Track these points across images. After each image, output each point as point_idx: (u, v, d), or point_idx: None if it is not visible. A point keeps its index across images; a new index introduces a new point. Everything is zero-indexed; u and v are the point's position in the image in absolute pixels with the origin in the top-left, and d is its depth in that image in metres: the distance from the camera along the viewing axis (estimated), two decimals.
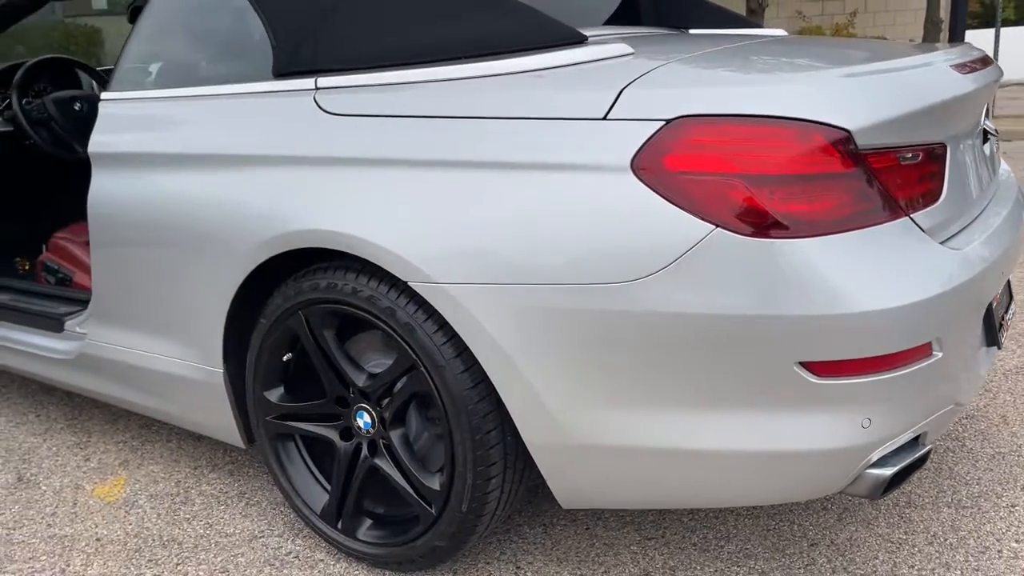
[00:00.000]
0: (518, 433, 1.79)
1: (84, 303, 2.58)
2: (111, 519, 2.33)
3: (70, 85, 3.49)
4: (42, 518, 2.36)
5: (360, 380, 1.95)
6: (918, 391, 1.61)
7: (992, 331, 1.89)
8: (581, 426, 1.67)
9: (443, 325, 1.76)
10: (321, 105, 1.92)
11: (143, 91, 2.29)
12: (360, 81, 1.90)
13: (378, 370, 1.95)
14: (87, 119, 3.26)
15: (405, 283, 1.76)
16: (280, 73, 2.02)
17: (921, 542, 2.09)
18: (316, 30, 1.97)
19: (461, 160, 1.71)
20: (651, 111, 1.57)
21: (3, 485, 2.55)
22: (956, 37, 8.30)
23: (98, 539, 2.24)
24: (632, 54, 1.79)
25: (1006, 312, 2.09)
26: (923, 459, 1.70)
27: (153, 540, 2.23)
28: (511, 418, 1.76)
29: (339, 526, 2.07)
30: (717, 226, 1.50)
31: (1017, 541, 2.08)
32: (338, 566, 2.09)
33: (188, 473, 2.57)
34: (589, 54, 1.76)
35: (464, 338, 1.71)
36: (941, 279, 1.58)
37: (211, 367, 2.16)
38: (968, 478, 2.36)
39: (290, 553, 2.15)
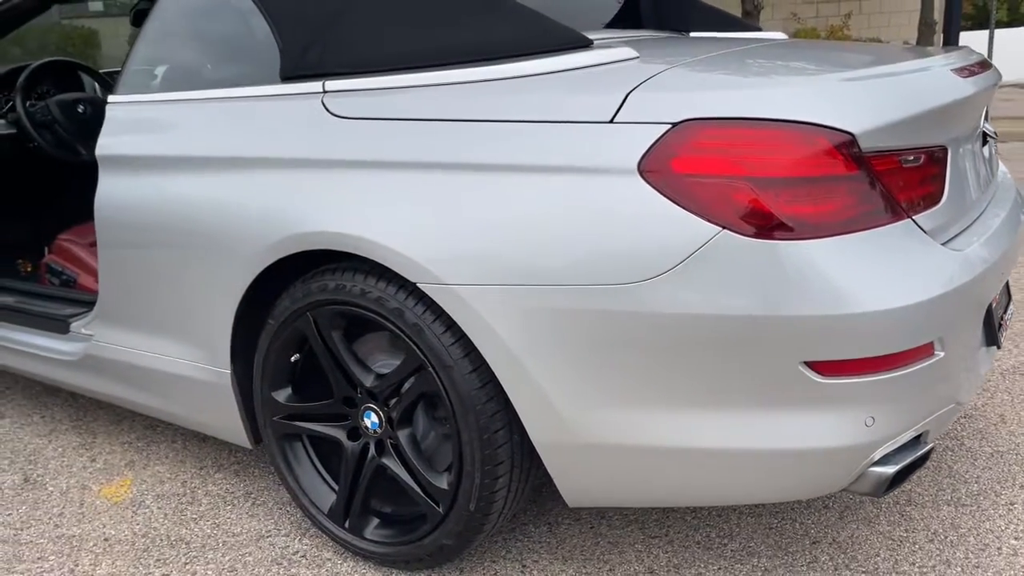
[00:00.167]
0: (525, 432, 1.81)
1: (89, 305, 2.60)
2: (118, 519, 2.35)
3: (73, 87, 3.50)
4: (49, 518, 2.37)
5: (368, 380, 1.96)
6: (920, 390, 1.63)
7: (992, 331, 1.92)
8: (588, 425, 1.69)
9: (451, 326, 1.78)
10: (329, 108, 1.94)
11: (151, 94, 2.31)
12: (368, 85, 1.92)
13: (385, 370, 1.97)
14: (90, 122, 3.27)
15: (414, 284, 1.78)
16: (287, 77, 2.04)
17: (922, 539, 2.12)
18: (323, 34, 1.99)
19: (469, 163, 1.73)
20: (657, 114, 1.60)
21: (10, 486, 2.56)
22: (950, 39, 8.35)
23: (106, 539, 2.26)
24: (637, 58, 1.81)
25: (1005, 312, 2.12)
26: (925, 457, 1.72)
27: (161, 540, 2.24)
28: (519, 418, 1.78)
29: (346, 525, 2.09)
30: (723, 228, 1.53)
31: (1016, 538, 2.10)
32: (345, 565, 2.11)
33: (194, 473, 2.58)
34: (594, 58, 1.78)
35: (472, 339, 1.73)
36: (943, 280, 1.61)
37: (219, 368, 2.17)
38: (967, 476, 2.38)
39: (297, 552, 2.17)
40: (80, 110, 3.26)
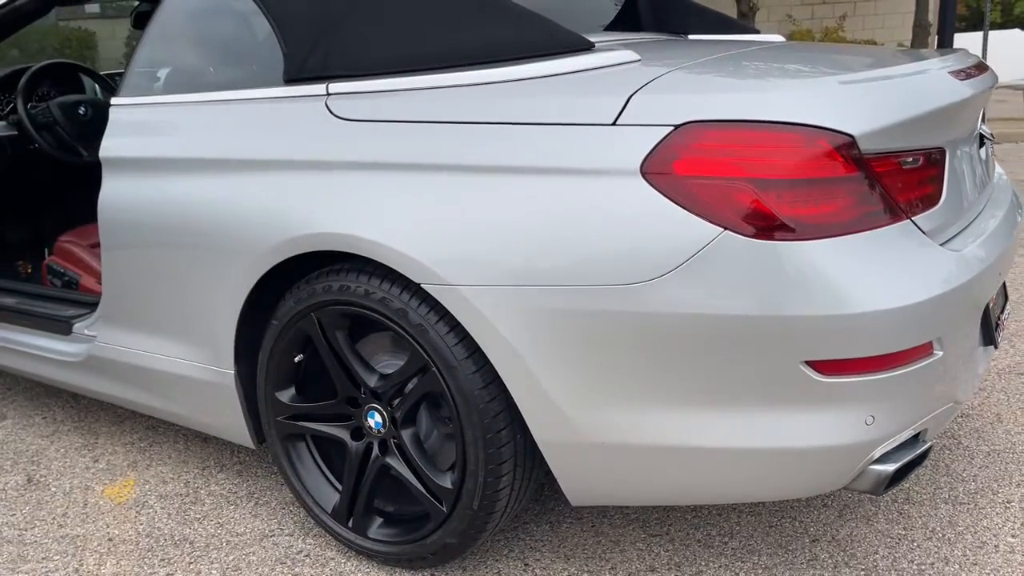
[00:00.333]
0: (528, 432, 1.82)
1: (91, 306, 2.61)
2: (122, 519, 2.36)
3: (73, 89, 3.52)
4: (53, 519, 2.38)
5: (371, 381, 1.98)
6: (919, 389, 1.65)
7: (989, 331, 1.94)
8: (592, 424, 1.70)
9: (455, 326, 1.80)
10: (333, 111, 1.95)
11: (154, 96, 2.32)
12: (371, 87, 1.93)
13: (389, 371, 1.99)
14: (92, 123, 3.29)
15: (417, 285, 1.80)
16: (291, 79, 2.05)
17: (920, 537, 2.14)
18: (327, 36, 2.00)
19: (472, 164, 1.75)
20: (660, 116, 1.62)
21: (13, 487, 2.57)
22: (945, 41, 8.39)
23: (110, 539, 2.27)
24: (639, 60, 1.83)
25: (1002, 312, 2.14)
26: (924, 455, 1.74)
27: (165, 540, 2.26)
28: (522, 417, 1.80)
29: (350, 524, 2.10)
30: (725, 229, 1.55)
31: (1013, 536, 2.13)
32: (349, 564, 2.12)
33: (197, 474, 2.59)
34: (597, 61, 1.80)
35: (477, 339, 1.74)
36: (941, 280, 1.63)
37: (222, 368, 2.19)
38: (965, 475, 2.41)
39: (301, 552, 2.18)
40: (81, 112, 3.27)
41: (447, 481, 1.93)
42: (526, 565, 2.09)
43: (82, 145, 3.27)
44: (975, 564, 2.03)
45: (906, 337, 1.58)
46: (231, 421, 2.26)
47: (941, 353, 1.66)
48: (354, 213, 1.85)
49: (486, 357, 1.78)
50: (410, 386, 1.93)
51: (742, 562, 2.08)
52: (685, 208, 1.57)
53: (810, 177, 1.55)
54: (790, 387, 1.58)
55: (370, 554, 2.09)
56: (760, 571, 2.04)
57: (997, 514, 2.22)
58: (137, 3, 3.08)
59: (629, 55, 1.83)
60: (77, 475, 2.62)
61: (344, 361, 2.00)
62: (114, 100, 2.38)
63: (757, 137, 1.56)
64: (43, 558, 2.20)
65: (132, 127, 2.32)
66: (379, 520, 2.10)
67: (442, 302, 1.76)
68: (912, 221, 1.67)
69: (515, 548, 2.17)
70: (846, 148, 1.57)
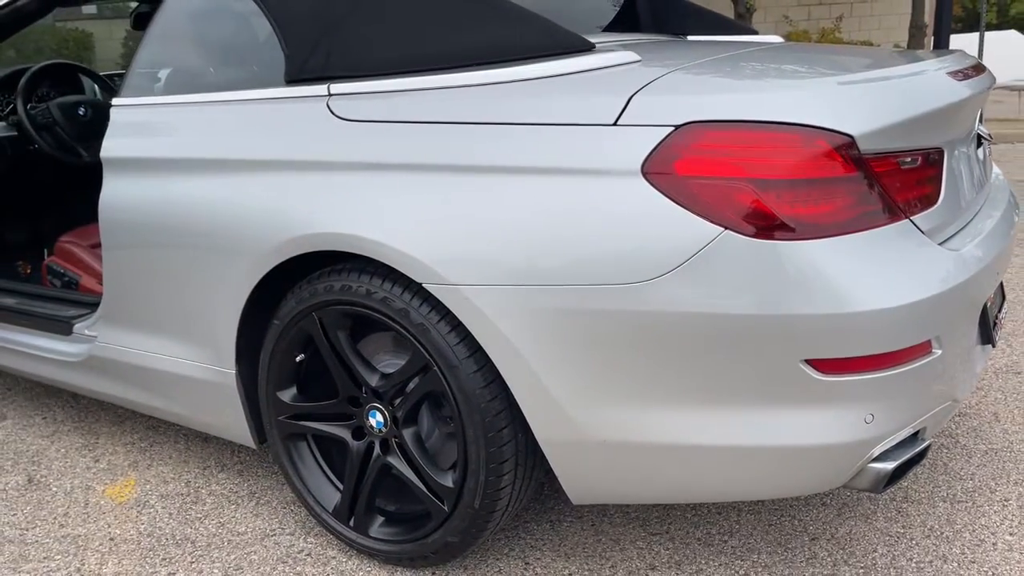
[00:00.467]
0: (529, 430, 1.83)
1: (92, 306, 2.62)
2: (123, 519, 2.37)
3: (73, 90, 3.52)
4: (54, 519, 2.39)
5: (373, 380, 1.99)
6: (918, 387, 1.67)
7: (987, 329, 1.95)
8: (593, 423, 1.71)
9: (456, 325, 1.81)
10: (334, 111, 1.96)
11: (155, 97, 2.32)
12: (373, 88, 1.94)
13: (390, 370, 2.00)
14: (91, 124, 3.29)
15: (419, 285, 1.81)
16: (292, 79, 2.06)
17: (918, 535, 2.15)
18: (328, 37, 2.01)
19: (473, 165, 1.76)
20: (661, 117, 1.63)
21: (14, 487, 2.57)
22: (940, 42, 8.42)
23: (111, 539, 2.28)
24: (639, 61, 1.84)
25: (999, 311, 2.15)
26: (923, 454, 1.75)
27: (166, 539, 2.26)
28: (523, 416, 1.81)
29: (351, 524, 2.11)
30: (726, 228, 1.56)
31: (1011, 534, 2.14)
32: (350, 563, 2.13)
33: (198, 473, 2.60)
34: (597, 61, 1.81)
35: (478, 338, 1.75)
36: (940, 279, 1.64)
37: (224, 368, 2.19)
38: (962, 474, 2.42)
39: (302, 551, 2.19)
40: (81, 112, 3.27)
41: (448, 480, 1.93)
42: (527, 564, 2.10)
43: (82, 146, 3.27)
44: (973, 562, 2.04)
45: (905, 336, 1.59)
46: (232, 421, 2.26)
47: (940, 352, 1.67)
48: (356, 213, 1.85)
49: (487, 356, 1.79)
50: (411, 385, 1.94)
51: (742, 560, 2.09)
52: (686, 208, 1.58)
53: (810, 177, 1.56)
54: (790, 386, 1.59)
55: (371, 553, 2.10)
56: (760, 569, 2.05)
57: (995, 512, 2.23)
58: (136, 4, 3.08)
59: (630, 56, 1.84)
60: (78, 475, 2.63)
61: (346, 361, 2.00)
62: (115, 101, 2.39)
63: (757, 137, 1.57)
64: (44, 558, 2.21)
65: (133, 128, 2.32)
66: (380, 519, 2.11)
67: (444, 302, 1.77)
68: (911, 221, 1.68)
69: (516, 547, 2.17)
70: (845, 148, 1.58)
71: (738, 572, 2.04)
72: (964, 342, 1.78)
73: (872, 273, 1.57)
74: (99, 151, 2.37)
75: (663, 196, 1.59)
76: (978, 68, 2.11)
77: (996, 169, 2.44)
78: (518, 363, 1.73)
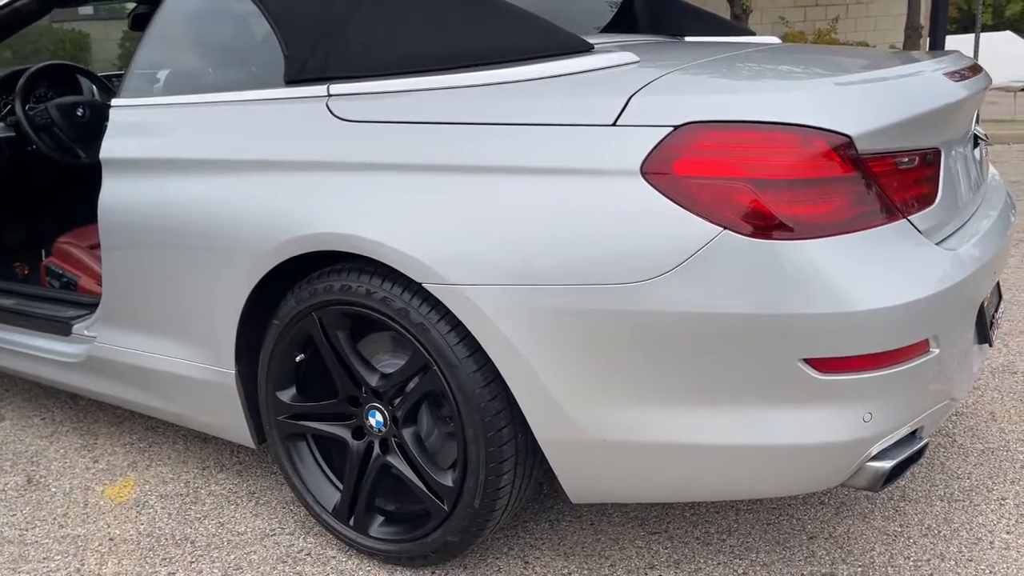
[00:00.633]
0: (529, 430, 1.84)
1: (90, 307, 2.62)
2: (123, 519, 2.37)
3: (71, 91, 3.52)
4: (54, 519, 2.39)
5: (372, 380, 1.99)
6: (916, 386, 1.67)
7: (984, 329, 1.96)
8: (593, 422, 1.72)
9: (456, 325, 1.81)
10: (334, 112, 1.97)
11: (155, 97, 2.33)
12: (372, 88, 1.95)
13: (390, 370, 2.00)
14: (90, 125, 3.29)
15: (419, 284, 1.81)
16: (291, 80, 2.06)
17: (916, 534, 2.16)
18: (327, 38, 2.02)
19: (472, 165, 1.76)
20: (660, 117, 1.63)
21: (13, 487, 2.57)
22: (936, 43, 8.45)
23: (111, 539, 2.28)
24: (638, 62, 1.85)
25: (996, 311, 2.17)
26: (920, 452, 1.76)
27: (166, 539, 2.26)
28: (522, 415, 1.82)
29: (351, 523, 2.11)
30: (724, 228, 1.56)
31: (1008, 532, 2.15)
32: (350, 563, 2.14)
33: (197, 474, 2.60)
34: (596, 62, 1.82)
35: (478, 338, 1.76)
36: (938, 278, 1.65)
37: (223, 368, 2.20)
38: (959, 473, 2.43)
39: (302, 551, 2.19)
40: (79, 113, 3.27)
41: (448, 479, 1.94)
42: (526, 563, 2.11)
43: (80, 146, 3.28)
44: (970, 560, 2.05)
45: (903, 335, 1.60)
46: (232, 421, 2.27)
47: (937, 351, 1.68)
48: (355, 213, 1.86)
49: (487, 356, 1.79)
50: (411, 385, 1.94)
51: (740, 559, 2.09)
52: (685, 208, 1.59)
53: (808, 177, 1.57)
54: (788, 385, 1.60)
55: (371, 552, 2.10)
56: (758, 567, 2.06)
57: (992, 511, 2.24)
58: (135, 5, 3.09)
59: (629, 56, 1.85)
60: (77, 475, 2.63)
61: (345, 360, 2.01)
62: (114, 101, 2.39)
63: (756, 137, 1.58)
64: (44, 558, 2.21)
65: (132, 128, 2.32)
66: (380, 519, 2.11)
67: (443, 301, 1.78)
68: (908, 220, 1.69)
69: (515, 546, 2.18)
70: (843, 148, 1.59)
71: (736, 570, 2.05)
72: (961, 341, 1.79)
73: (870, 273, 1.58)
74: (97, 152, 2.38)
75: (662, 196, 1.60)
76: (974, 69, 2.12)
77: (992, 169, 2.45)
78: (518, 363, 1.73)
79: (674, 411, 1.67)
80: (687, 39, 2.82)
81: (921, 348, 1.65)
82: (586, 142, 1.67)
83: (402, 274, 1.84)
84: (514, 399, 1.80)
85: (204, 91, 2.25)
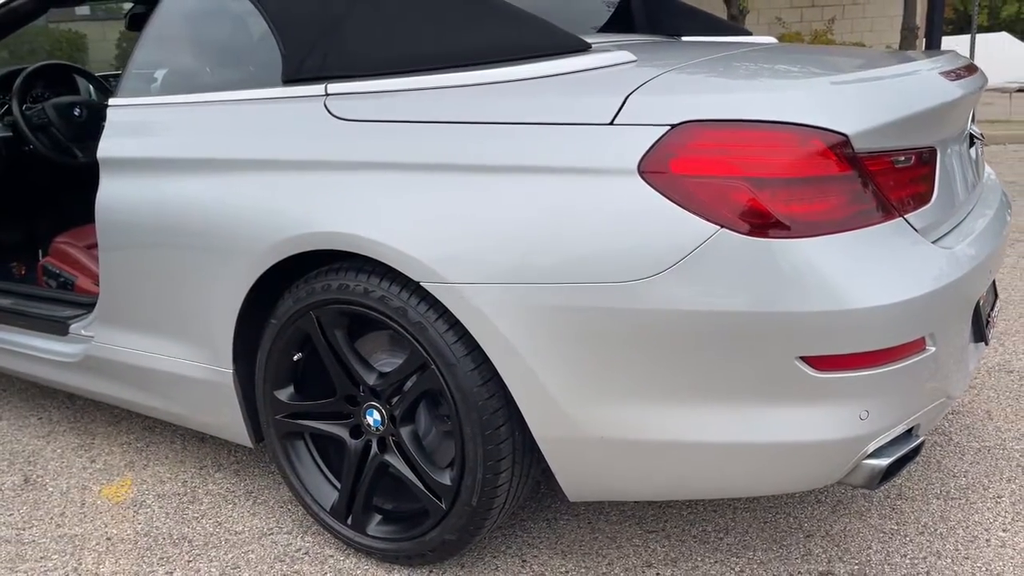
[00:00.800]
0: (527, 428, 1.84)
1: (88, 306, 2.62)
2: (120, 518, 2.37)
3: (67, 91, 3.52)
4: (51, 518, 2.39)
5: (370, 379, 1.99)
6: (913, 384, 1.68)
7: (980, 327, 1.97)
8: (590, 420, 1.72)
9: (454, 324, 1.81)
10: (331, 111, 1.97)
11: (152, 97, 2.33)
12: (370, 87, 1.95)
13: (388, 369, 2.00)
14: (87, 124, 3.29)
15: (416, 283, 1.81)
16: (289, 79, 2.07)
17: (912, 532, 2.17)
18: (325, 37, 2.02)
19: (470, 164, 1.77)
20: (657, 116, 1.64)
21: (9, 487, 2.57)
22: (932, 44, 8.46)
23: (108, 538, 2.28)
24: (635, 61, 1.85)
25: (992, 310, 2.17)
26: (916, 450, 1.77)
27: (163, 538, 2.26)
28: (520, 413, 1.82)
29: (349, 522, 2.12)
30: (721, 226, 1.57)
31: (1004, 530, 2.16)
32: (347, 562, 2.14)
33: (194, 473, 2.60)
34: (594, 61, 1.83)
35: (476, 336, 1.76)
36: (934, 277, 1.66)
37: (221, 368, 2.20)
38: (956, 471, 2.44)
39: (300, 549, 2.19)
40: (76, 113, 3.27)
41: (446, 478, 1.94)
42: (523, 562, 2.11)
43: (77, 146, 3.27)
44: (967, 558, 2.06)
45: (899, 333, 1.60)
46: (229, 420, 2.27)
47: (933, 349, 1.69)
48: (353, 212, 1.86)
49: (484, 354, 1.80)
50: (409, 384, 1.95)
51: (737, 557, 2.10)
52: (682, 206, 1.59)
53: (805, 175, 1.58)
54: (785, 383, 1.61)
55: (369, 551, 2.11)
56: (755, 566, 2.06)
57: (988, 509, 2.25)
58: (132, 5, 3.09)
59: (626, 56, 1.85)
60: (74, 475, 2.63)
61: (343, 359, 2.01)
62: (111, 101, 2.39)
63: (753, 136, 1.58)
64: (41, 557, 2.21)
65: (130, 128, 2.32)
66: (378, 517, 2.11)
67: (441, 300, 1.78)
68: (904, 219, 1.70)
69: (513, 545, 2.18)
70: (840, 147, 1.59)
71: (733, 568, 2.06)
72: (957, 340, 1.80)
73: (866, 271, 1.58)
74: (94, 152, 2.38)
75: (659, 195, 1.60)
76: (970, 68, 2.13)
77: (988, 169, 2.45)
78: (515, 361, 1.74)
79: (671, 409, 1.67)
80: (684, 39, 2.82)
81: (917, 346, 1.65)
82: (583, 141, 1.68)
83: (400, 273, 1.84)
84: (511, 397, 1.81)
85: (202, 90, 2.25)
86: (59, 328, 2.62)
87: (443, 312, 1.82)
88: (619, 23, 2.90)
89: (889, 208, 1.67)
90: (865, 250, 1.60)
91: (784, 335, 1.57)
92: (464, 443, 1.86)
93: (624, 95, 1.68)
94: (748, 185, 1.57)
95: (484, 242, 1.72)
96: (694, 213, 1.59)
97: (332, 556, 2.16)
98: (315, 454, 2.20)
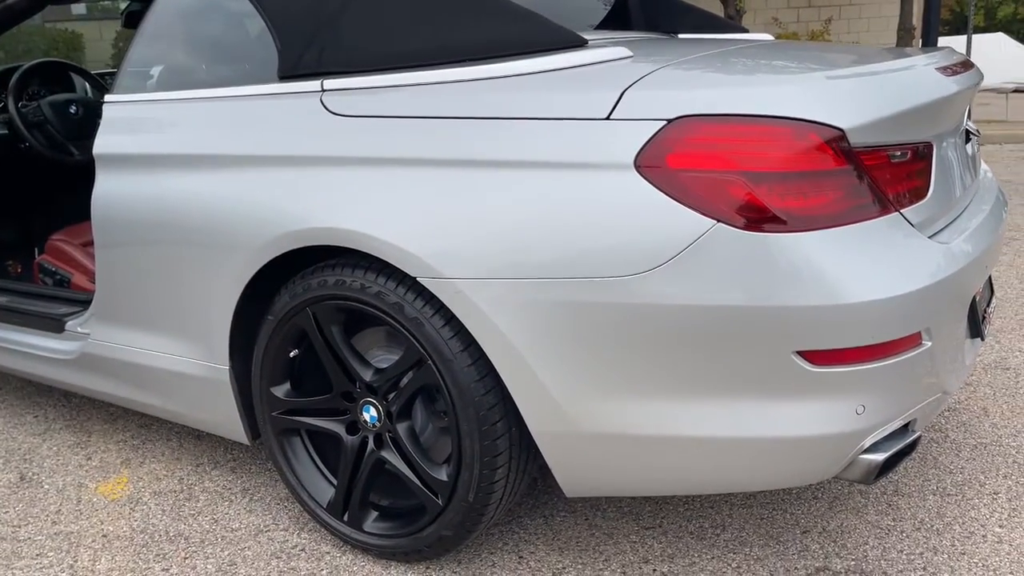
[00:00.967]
0: (523, 424, 1.84)
1: (84, 304, 2.61)
2: (116, 516, 2.36)
3: (63, 88, 3.51)
4: (47, 516, 2.38)
5: (367, 375, 1.99)
6: (909, 379, 1.68)
7: (976, 323, 1.97)
8: (587, 415, 1.72)
9: (450, 319, 1.81)
10: (328, 107, 1.97)
11: (148, 93, 2.32)
12: (366, 83, 1.95)
13: (384, 365, 2.00)
14: (83, 122, 3.29)
15: (413, 279, 1.81)
16: (285, 75, 2.06)
17: (909, 528, 2.17)
18: (321, 33, 2.02)
19: (467, 159, 1.76)
20: (653, 111, 1.64)
21: (5, 484, 2.56)
22: (929, 44, 8.48)
23: (104, 535, 2.27)
24: (631, 57, 1.85)
25: (988, 305, 2.17)
26: (913, 445, 1.77)
27: (159, 535, 2.26)
28: (517, 409, 1.82)
29: (345, 518, 2.11)
30: (718, 221, 1.57)
31: (1000, 526, 2.16)
32: (344, 558, 2.13)
33: (190, 470, 2.60)
34: (590, 57, 1.82)
35: (473, 332, 1.76)
36: (930, 271, 1.66)
37: (217, 364, 2.19)
38: (952, 467, 2.44)
39: (296, 546, 2.19)
40: (72, 111, 3.27)
41: (443, 474, 1.94)
42: (520, 558, 2.11)
43: (73, 144, 3.27)
44: (963, 554, 2.06)
45: (895, 327, 1.60)
46: (226, 417, 2.26)
47: (929, 344, 1.69)
48: (350, 208, 1.86)
49: (481, 350, 1.80)
50: (405, 380, 1.94)
51: (734, 553, 2.10)
52: (678, 201, 1.59)
53: (801, 170, 1.58)
54: (782, 377, 1.61)
55: (365, 548, 2.10)
56: (752, 562, 2.06)
57: (985, 505, 2.25)
58: (128, 2, 3.08)
59: (622, 51, 1.85)
60: (70, 473, 2.62)
61: (339, 356, 2.01)
62: (108, 97, 2.39)
63: (749, 131, 1.58)
64: (37, 555, 2.20)
65: (126, 124, 2.32)
66: (374, 514, 2.11)
67: (438, 295, 1.78)
68: (901, 214, 1.70)
69: (509, 541, 2.18)
70: (836, 141, 1.59)
71: (730, 565, 2.06)
72: (954, 335, 1.80)
73: (863, 265, 1.58)
74: (90, 149, 2.37)
75: (656, 189, 1.60)
76: (966, 64, 2.13)
77: (984, 166, 2.46)
78: (512, 356, 1.73)
79: (669, 404, 1.67)
80: (681, 36, 2.82)
81: (913, 341, 1.65)
82: (580, 136, 1.67)
83: (396, 268, 1.84)
84: (508, 393, 1.81)
85: (198, 87, 2.25)
86: (55, 325, 2.62)
87: (439, 307, 1.82)
88: (616, 21, 2.90)
89: (885, 203, 1.67)
90: (861, 244, 1.60)
91: (780, 329, 1.57)
92: (461, 439, 1.86)
93: (620, 90, 1.68)
94: (744, 179, 1.57)
95: (481, 237, 1.72)
96: (690, 207, 1.59)
97: (329, 553, 2.16)
98: (311, 451, 2.20)
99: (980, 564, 2.02)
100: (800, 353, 1.59)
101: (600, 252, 1.63)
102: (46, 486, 2.55)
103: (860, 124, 1.62)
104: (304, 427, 2.15)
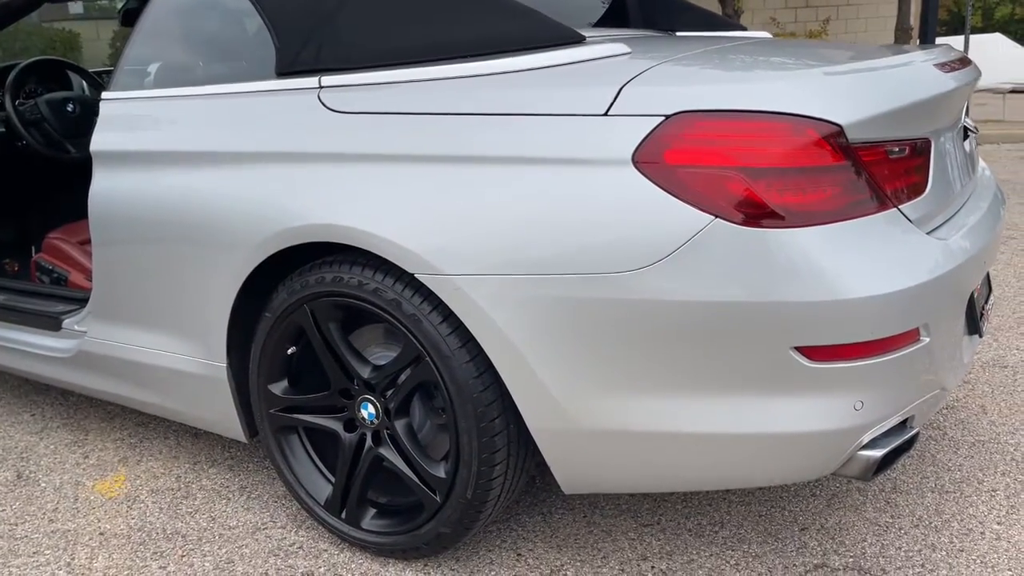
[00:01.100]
0: (521, 420, 1.84)
1: (81, 302, 2.61)
2: (113, 514, 2.36)
3: (60, 86, 3.51)
4: (44, 514, 2.38)
5: (365, 372, 1.99)
6: (907, 375, 1.68)
7: (974, 320, 1.97)
8: (585, 412, 1.72)
9: (448, 316, 1.81)
10: (325, 103, 1.96)
11: (146, 90, 2.32)
12: (364, 80, 1.94)
13: (382, 362, 2.00)
14: (80, 120, 3.28)
15: (411, 275, 1.81)
16: (283, 72, 2.06)
17: (907, 525, 2.17)
18: (319, 30, 2.01)
19: (464, 155, 1.76)
20: (651, 107, 1.64)
21: (2, 483, 2.56)
22: (926, 43, 8.48)
23: (101, 533, 2.27)
24: (629, 53, 1.85)
25: (986, 302, 2.17)
26: (911, 441, 1.77)
27: (157, 533, 2.25)
28: (515, 406, 1.81)
29: (343, 516, 2.11)
30: (716, 217, 1.57)
31: (998, 523, 2.16)
32: (342, 556, 2.13)
33: (188, 469, 2.59)
34: (588, 53, 1.82)
35: (470, 328, 1.76)
36: (928, 267, 1.66)
37: (214, 362, 2.19)
38: (950, 465, 2.44)
39: (294, 544, 2.19)
40: (69, 109, 3.26)
41: (441, 471, 1.94)
42: (519, 555, 2.11)
43: (70, 142, 3.27)
44: (961, 551, 2.06)
45: (893, 323, 1.60)
46: (223, 415, 2.26)
47: (927, 340, 1.69)
48: (347, 204, 1.86)
49: (479, 346, 1.79)
50: (403, 377, 1.94)
51: (732, 551, 2.10)
52: (676, 197, 1.59)
53: (799, 166, 1.58)
54: (780, 373, 1.60)
55: (363, 545, 2.10)
56: (750, 559, 2.06)
57: (983, 502, 2.25)
58: (125, 0, 3.08)
59: (620, 48, 1.85)
60: (67, 471, 2.61)
61: (337, 353, 2.00)
62: (105, 95, 2.38)
63: (747, 127, 1.58)
64: (34, 552, 2.20)
65: (123, 121, 2.32)
66: (372, 511, 2.11)
67: (436, 292, 1.77)
68: (899, 210, 1.70)
69: (508, 538, 2.18)
70: (834, 137, 1.59)
71: (729, 562, 2.05)
72: (951, 331, 1.79)
73: (860, 261, 1.58)
74: (87, 147, 2.37)
75: (653, 185, 1.60)
76: (964, 61, 2.14)
77: (982, 163, 2.46)
78: (510, 353, 1.73)
79: (667, 400, 1.67)
80: (678, 34, 2.82)
81: (911, 337, 1.65)
82: (577, 132, 1.67)
83: (394, 265, 1.84)
84: (506, 389, 1.80)
85: (195, 84, 2.24)
86: (52, 324, 2.61)
87: (437, 304, 1.81)
88: (614, 18, 2.90)
89: (883, 198, 1.67)
90: (859, 240, 1.60)
91: (779, 325, 1.57)
92: (459, 436, 1.86)
93: (618, 86, 1.68)
94: (742, 175, 1.57)
95: (479, 234, 1.72)
96: (688, 203, 1.58)
97: (327, 550, 2.15)
98: (309, 448, 2.19)
99: (978, 561, 2.01)
100: (798, 349, 1.59)
101: (598, 248, 1.63)
102: (43, 484, 2.54)
103: (858, 120, 1.62)
104: (302, 424, 2.14)
